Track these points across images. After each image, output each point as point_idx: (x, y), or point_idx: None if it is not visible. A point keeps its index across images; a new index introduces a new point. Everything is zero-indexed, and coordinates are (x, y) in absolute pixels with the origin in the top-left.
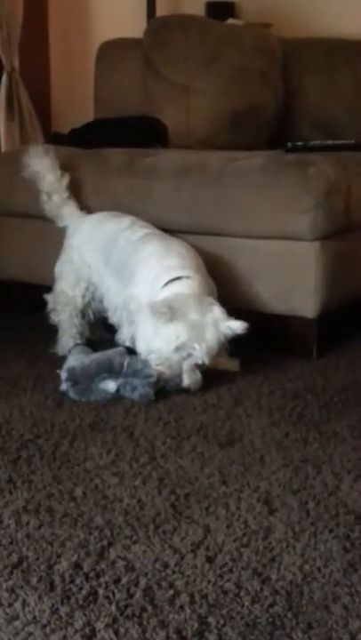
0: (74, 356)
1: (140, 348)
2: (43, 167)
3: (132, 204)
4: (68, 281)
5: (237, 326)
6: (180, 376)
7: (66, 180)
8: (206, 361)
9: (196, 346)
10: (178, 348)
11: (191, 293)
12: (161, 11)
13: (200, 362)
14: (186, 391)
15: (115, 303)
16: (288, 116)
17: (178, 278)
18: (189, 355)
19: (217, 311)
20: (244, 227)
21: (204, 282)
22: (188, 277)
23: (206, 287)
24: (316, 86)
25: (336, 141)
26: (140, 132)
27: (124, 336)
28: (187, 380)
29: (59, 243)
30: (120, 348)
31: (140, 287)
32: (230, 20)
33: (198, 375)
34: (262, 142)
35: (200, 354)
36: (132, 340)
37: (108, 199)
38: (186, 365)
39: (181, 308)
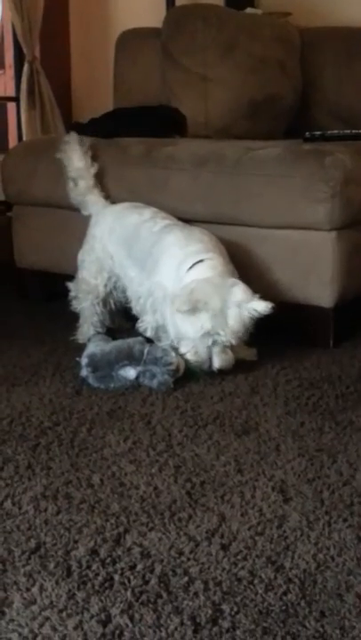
0: (94, 343)
1: (171, 335)
2: (74, 153)
3: (149, 194)
4: (90, 270)
5: (262, 307)
6: (210, 359)
7: (94, 169)
8: (233, 342)
9: (221, 332)
10: (204, 336)
11: (213, 276)
12: (180, 0)
13: (228, 344)
14: (219, 372)
15: (138, 293)
16: (306, 105)
17: (201, 261)
18: (215, 340)
19: (239, 292)
20: (261, 216)
21: (227, 262)
22: (210, 259)
23: (231, 267)
24: (335, 76)
25: (354, 131)
26: (159, 122)
27: (145, 324)
28: (217, 363)
29: (78, 231)
30: (139, 337)
31: (164, 275)
32: (249, 10)
33: (229, 355)
34: (280, 132)
35: (226, 338)
36: (155, 328)
37: (126, 188)
38: (215, 349)
39: (202, 297)
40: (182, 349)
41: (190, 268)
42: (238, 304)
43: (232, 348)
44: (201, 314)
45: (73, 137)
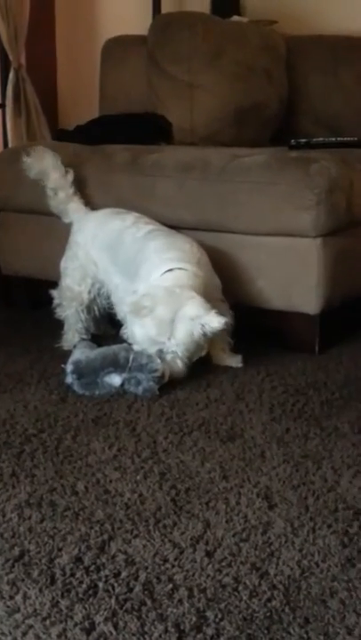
0: (79, 349)
1: (128, 335)
2: (46, 165)
3: (135, 201)
4: (74, 277)
5: (215, 323)
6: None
7: (71, 177)
8: (180, 353)
9: (165, 341)
10: (152, 343)
11: (172, 285)
12: (166, 7)
13: (176, 355)
14: (183, 381)
15: (123, 300)
16: (292, 112)
17: (170, 270)
18: (162, 350)
19: (193, 306)
20: (246, 223)
21: (200, 275)
22: (180, 269)
23: (200, 280)
24: (320, 83)
25: (339, 138)
26: (145, 129)
27: (128, 331)
28: (165, 372)
29: (64, 238)
30: (125, 344)
31: (141, 282)
32: (235, 18)
33: (178, 366)
34: (266, 139)
35: (173, 349)
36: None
37: (112, 195)
38: (165, 358)
39: (150, 303)
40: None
41: (161, 275)
42: (191, 317)
43: (216, 354)
44: (146, 319)
45: (36, 151)
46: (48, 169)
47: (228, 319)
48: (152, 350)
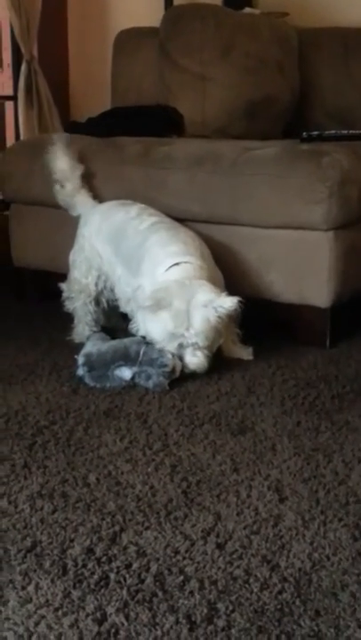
0: (92, 342)
1: (140, 330)
2: (59, 155)
3: (147, 193)
4: (81, 269)
5: (228, 303)
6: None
7: (79, 170)
8: (200, 343)
9: (185, 333)
10: (171, 338)
11: (182, 278)
12: (178, 0)
13: (197, 346)
14: (195, 374)
15: (126, 293)
16: (304, 105)
17: (177, 264)
18: (181, 343)
19: (204, 293)
20: (258, 216)
21: (205, 268)
22: (186, 262)
23: (206, 273)
24: (332, 76)
25: (351, 131)
26: (156, 122)
27: (137, 325)
28: (188, 365)
29: (75, 231)
30: (137, 337)
31: (145, 276)
32: (247, 10)
33: (199, 357)
34: (278, 132)
35: (192, 340)
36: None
37: (123, 188)
38: (185, 352)
39: (165, 297)
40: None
41: (167, 270)
42: (204, 304)
43: (226, 347)
44: (163, 313)
45: (59, 138)
46: (58, 159)
47: (239, 298)
48: (172, 345)
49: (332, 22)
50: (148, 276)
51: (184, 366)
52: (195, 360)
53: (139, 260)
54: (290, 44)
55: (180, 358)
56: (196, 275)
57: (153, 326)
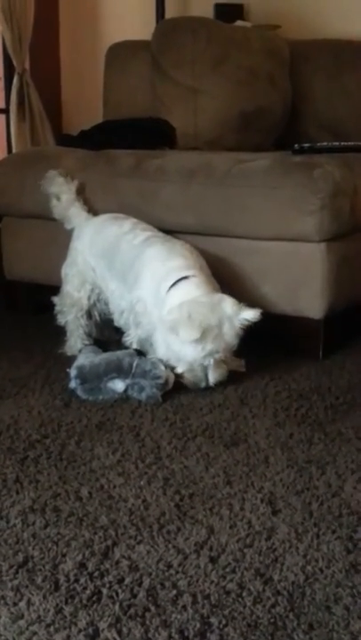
0: (84, 354)
1: (161, 354)
2: (55, 178)
3: (139, 206)
4: (74, 283)
5: (252, 315)
6: (205, 376)
7: (75, 185)
8: (229, 356)
9: (219, 349)
10: (206, 357)
11: (200, 295)
12: (170, 13)
13: (221, 358)
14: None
15: (120, 307)
16: (296, 117)
17: (184, 278)
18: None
19: (229, 306)
20: (250, 228)
21: (208, 281)
22: (194, 276)
23: (210, 286)
24: (324, 88)
25: (343, 143)
26: (149, 134)
27: (131, 338)
28: (213, 378)
29: (67, 244)
30: (130, 350)
31: (145, 289)
32: (239, 22)
33: (223, 368)
34: (270, 144)
35: (222, 354)
36: (140, 342)
37: (116, 200)
38: (211, 365)
39: (203, 320)
40: (179, 370)
41: (173, 285)
42: (230, 318)
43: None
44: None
45: (52, 172)
46: (55, 179)
47: (260, 310)
48: (205, 362)
49: (324, 34)
50: (148, 290)
51: (208, 379)
52: (221, 371)
53: (136, 274)
54: (281, 56)
55: (193, 372)
56: (204, 289)
57: (188, 349)
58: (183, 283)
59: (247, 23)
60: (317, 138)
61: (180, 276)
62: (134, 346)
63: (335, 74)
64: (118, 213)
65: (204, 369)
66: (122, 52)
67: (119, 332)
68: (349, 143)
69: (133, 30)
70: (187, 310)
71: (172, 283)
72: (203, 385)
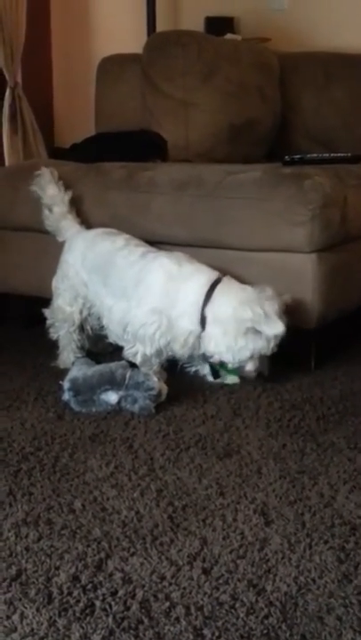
0: (77, 366)
1: (230, 359)
2: (47, 183)
3: (131, 218)
4: (65, 297)
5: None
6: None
7: (68, 196)
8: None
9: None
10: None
11: (250, 289)
12: (161, 26)
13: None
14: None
15: (120, 322)
16: (286, 129)
17: (219, 280)
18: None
19: (272, 292)
20: (241, 239)
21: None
22: (223, 276)
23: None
24: (314, 100)
25: (333, 154)
26: (140, 146)
27: (134, 350)
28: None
29: (59, 256)
30: (123, 362)
31: (158, 300)
32: (229, 35)
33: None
34: (260, 155)
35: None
36: (150, 355)
37: (107, 213)
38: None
39: (276, 310)
40: (249, 367)
41: (212, 287)
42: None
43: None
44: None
45: (44, 170)
46: (47, 185)
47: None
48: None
49: (313, 47)
50: (164, 300)
51: (252, 372)
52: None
53: (144, 288)
54: (271, 68)
55: (255, 362)
56: (241, 284)
57: (255, 342)
58: (225, 282)
59: (237, 36)
60: (307, 149)
61: (214, 278)
62: (138, 359)
63: (324, 86)
64: (110, 228)
65: (264, 361)
66: (113, 66)
67: (113, 344)
68: (339, 154)
69: (124, 44)
70: (258, 306)
71: (208, 284)
72: (266, 374)
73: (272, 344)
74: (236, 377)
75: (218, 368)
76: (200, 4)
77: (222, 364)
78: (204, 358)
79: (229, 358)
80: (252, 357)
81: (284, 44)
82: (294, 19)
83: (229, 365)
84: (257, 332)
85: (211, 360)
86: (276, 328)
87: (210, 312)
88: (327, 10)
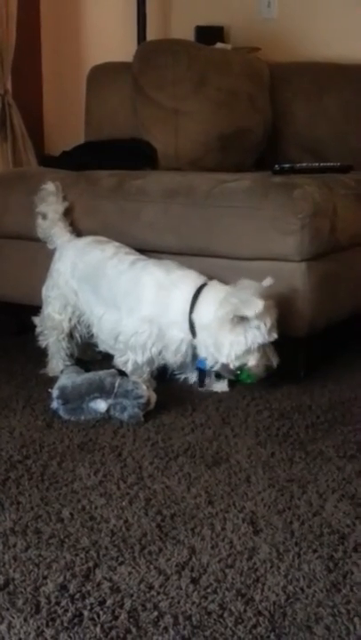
0: (66, 374)
1: (231, 358)
2: (49, 195)
3: (121, 226)
4: (55, 306)
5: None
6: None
7: (63, 206)
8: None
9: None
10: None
11: (231, 288)
12: (151, 35)
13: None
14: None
15: (111, 331)
16: (276, 138)
17: (205, 285)
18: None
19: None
20: (231, 248)
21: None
22: (209, 280)
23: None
24: (304, 109)
25: (323, 164)
26: (130, 155)
27: (125, 359)
28: (275, 360)
29: (49, 265)
30: (112, 370)
31: (150, 308)
32: (219, 44)
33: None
34: (250, 164)
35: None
36: (141, 364)
37: (97, 221)
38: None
39: (253, 293)
40: (252, 362)
41: (198, 291)
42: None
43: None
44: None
45: (50, 184)
46: (46, 197)
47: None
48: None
49: (304, 57)
50: (156, 308)
51: (258, 368)
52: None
53: (135, 297)
54: (261, 78)
55: (260, 357)
56: (225, 286)
57: (253, 334)
58: (212, 285)
59: (227, 45)
60: (297, 158)
61: (199, 283)
62: (129, 368)
63: (315, 95)
64: (100, 236)
65: (268, 352)
66: (103, 74)
67: (102, 352)
68: (329, 164)
69: (115, 52)
70: (234, 297)
71: (193, 289)
72: (274, 366)
73: (265, 329)
74: (226, 385)
75: (221, 376)
76: (190, 14)
77: (237, 375)
78: (204, 368)
79: (226, 358)
80: (250, 351)
81: (275, 53)
82: (284, 28)
83: (236, 369)
84: (244, 323)
85: (216, 369)
86: (257, 307)
87: (197, 318)
88: (317, 19)
